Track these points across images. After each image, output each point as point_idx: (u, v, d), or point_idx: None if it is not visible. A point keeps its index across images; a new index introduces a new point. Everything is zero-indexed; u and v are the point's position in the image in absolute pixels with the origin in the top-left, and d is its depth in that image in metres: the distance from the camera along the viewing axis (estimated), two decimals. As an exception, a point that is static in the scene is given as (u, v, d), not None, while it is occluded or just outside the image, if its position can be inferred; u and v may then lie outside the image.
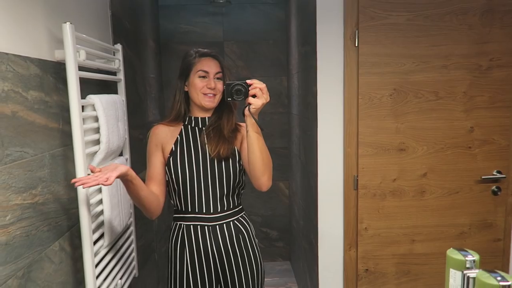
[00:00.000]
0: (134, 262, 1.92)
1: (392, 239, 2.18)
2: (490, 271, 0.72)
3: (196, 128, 1.60)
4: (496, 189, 2.16)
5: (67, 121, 1.32)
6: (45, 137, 1.22)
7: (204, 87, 1.53)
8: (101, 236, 1.53)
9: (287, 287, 3.20)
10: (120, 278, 1.68)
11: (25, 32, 1.14)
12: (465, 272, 0.74)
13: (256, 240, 1.63)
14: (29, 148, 1.12)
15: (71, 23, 1.24)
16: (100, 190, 1.51)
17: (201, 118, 1.60)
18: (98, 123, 1.46)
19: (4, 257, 0.98)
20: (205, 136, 1.57)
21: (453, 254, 0.77)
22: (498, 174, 2.15)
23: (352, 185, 2.16)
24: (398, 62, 2.08)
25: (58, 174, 1.30)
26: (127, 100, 1.96)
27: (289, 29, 3.19)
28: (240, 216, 1.61)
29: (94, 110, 1.46)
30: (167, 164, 1.55)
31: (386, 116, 2.11)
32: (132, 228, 1.91)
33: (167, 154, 1.56)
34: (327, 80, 2.13)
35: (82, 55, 1.33)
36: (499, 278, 0.69)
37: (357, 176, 2.15)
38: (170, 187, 1.58)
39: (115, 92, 1.83)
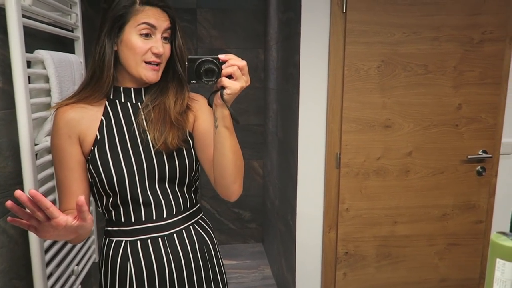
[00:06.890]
0: (94, 246, 1.71)
1: (374, 220, 2.08)
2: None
3: (129, 104, 1.08)
4: (480, 170, 2.08)
5: (9, 79, 1.09)
6: (-22, 96, 0.99)
7: (148, 52, 1.01)
8: (53, 216, 1.32)
9: (260, 269, 3.08)
10: (77, 264, 1.48)
11: None
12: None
13: (220, 251, 1.23)
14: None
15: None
16: (52, 163, 1.29)
17: (134, 89, 1.08)
18: (49, 83, 1.24)
19: None
20: (143, 118, 1.06)
21: (500, 240, 0.59)
22: (483, 153, 2.07)
23: (334, 163, 2.03)
24: (387, 32, 1.93)
25: (-3, 142, 1.07)
26: (88, 64, 1.71)
27: (268, -3, 2.98)
28: (200, 219, 1.17)
29: (45, 68, 1.23)
30: (90, 160, 1.03)
31: (373, 90, 1.97)
32: (91, 207, 1.70)
33: (89, 145, 1.03)
34: (311, 49, 1.96)
35: (27, -2, 1.09)
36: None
37: (340, 154, 2.01)
38: (97, 191, 1.07)
39: (72, 52, 1.59)
